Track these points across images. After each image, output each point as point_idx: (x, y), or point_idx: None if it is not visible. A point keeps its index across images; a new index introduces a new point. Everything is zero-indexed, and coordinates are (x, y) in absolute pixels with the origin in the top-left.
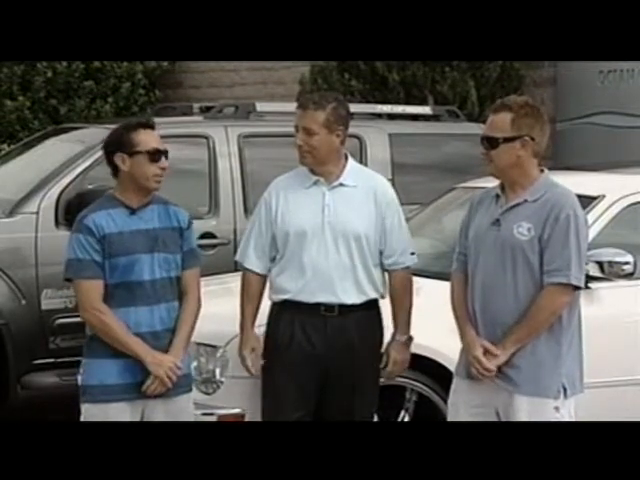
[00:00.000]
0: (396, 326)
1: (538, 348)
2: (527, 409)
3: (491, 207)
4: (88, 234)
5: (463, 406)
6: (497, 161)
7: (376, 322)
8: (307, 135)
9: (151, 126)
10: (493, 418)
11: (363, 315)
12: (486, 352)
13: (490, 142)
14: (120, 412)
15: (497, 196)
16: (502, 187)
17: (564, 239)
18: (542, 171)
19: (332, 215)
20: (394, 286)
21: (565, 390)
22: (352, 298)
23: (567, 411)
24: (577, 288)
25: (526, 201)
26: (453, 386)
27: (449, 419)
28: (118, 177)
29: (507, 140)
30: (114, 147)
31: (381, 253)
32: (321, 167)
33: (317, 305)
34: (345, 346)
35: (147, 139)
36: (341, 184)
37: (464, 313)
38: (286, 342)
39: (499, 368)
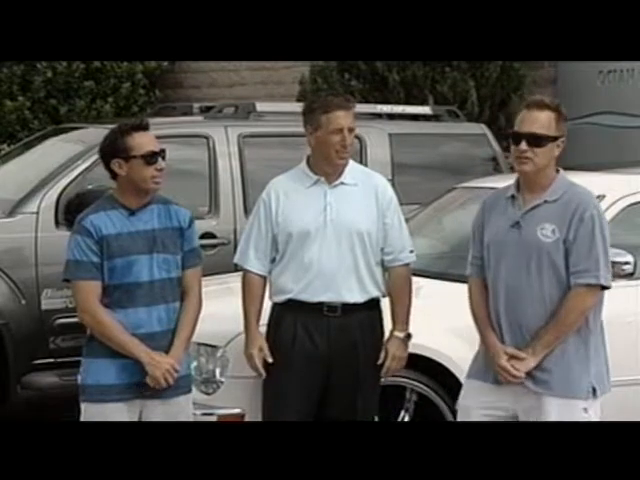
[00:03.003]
0: (394, 323)
1: (567, 350)
2: (557, 411)
3: (508, 209)
4: (86, 235)
5: (476, 409)
6: (539, 159)
7: (378, 321)
8: (350, 134)
9: (145, 127)
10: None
11: (365, 314)
12: (511, 357)
13: (538, 139)
14: (117, 412)
15: (512, 197)
16: (517, 187)
17: (590, 239)
18: (557, 171)
19: (334, 214)
20: (393, 283)
21: (594, 390)
22: (355, 297)
23: (594, 411)
24: (604, 288)
25: (546, 202)
26: (464, 389)
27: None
28: (117, 180)
29: (553, 139)
30: (109, 153)
31: (381, 250)
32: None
33: (320, 304)
34: (348, 346)
35: (141, 142)
36: (342, 183)
37: (485, 318)
38: (289, 343)
39: (528, 372)
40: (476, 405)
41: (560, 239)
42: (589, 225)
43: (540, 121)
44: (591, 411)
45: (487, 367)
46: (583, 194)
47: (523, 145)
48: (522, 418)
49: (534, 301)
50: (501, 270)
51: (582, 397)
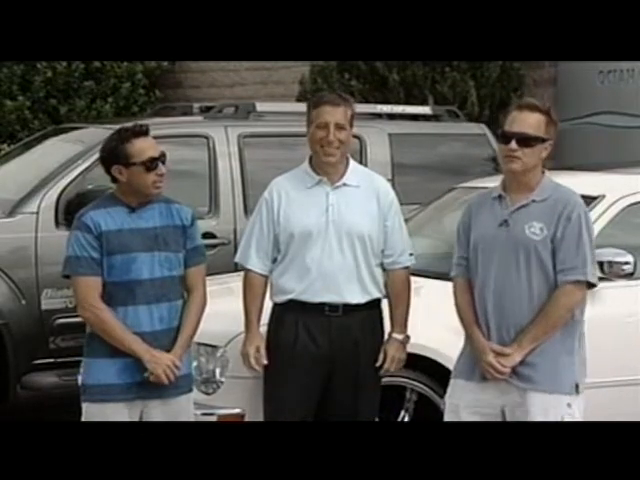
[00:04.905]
0: (393, 325)
1: (553, 345)
2: (541, 406)
3: (495, 208)
4: (86, 231)
5: (464, 408)
6: (527, 159)
7: (378, 322)
8: (338, 130)
9: (145, 132)
10: (498, 418)
11: (366, 315)
12: (497, 354)
13: (527, 140)
14: (118, 412)
15: (499, 197)
16: (503, 188)
17: (578, 238)
18: (543, 172)
19: (336, 215)
20: (393, 285)
21: (577, 386)
22: (357, 298)
23: (577, 407)
24: (590, 285)
25: (534, 201)
26: (450, 388)
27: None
28: (117, 183)
29: (542, 141)
30: (109, 160)
31: (381, 253)
32: (339, 164)
33: (321, 305)
34: (350, 346)
35: (142, 149)
36: (344, 184)
37: (471, 317)
38: (290, 343)
39: (513, 368)
40: (463, 404)
41: (548, 237)
42: (576, 224)
43: (530, 122)
44: (574, 406)
45: (472, 365)
46: (570, 195)
47: (513, 144)
48: (508, 414)
49: (522, 298)
50: (490, 268)
51: (566, 392)
